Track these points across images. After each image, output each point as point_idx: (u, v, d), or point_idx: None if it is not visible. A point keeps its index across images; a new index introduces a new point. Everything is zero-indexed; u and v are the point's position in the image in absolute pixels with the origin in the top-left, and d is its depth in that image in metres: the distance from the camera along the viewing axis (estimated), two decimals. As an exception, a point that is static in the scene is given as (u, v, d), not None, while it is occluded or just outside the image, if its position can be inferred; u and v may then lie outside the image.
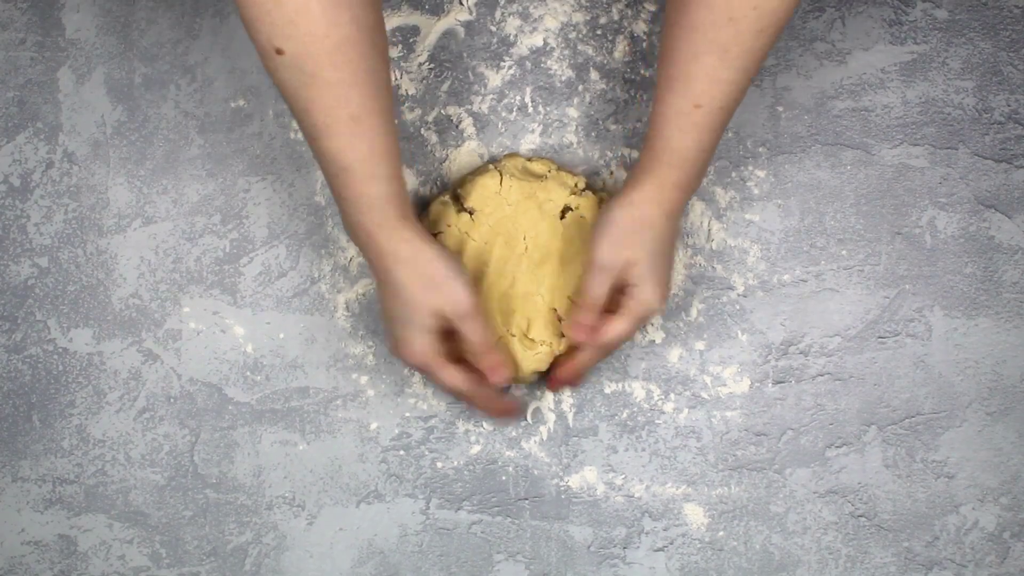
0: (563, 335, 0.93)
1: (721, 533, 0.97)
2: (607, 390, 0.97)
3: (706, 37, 0.79)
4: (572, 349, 0.92)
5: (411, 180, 0.98)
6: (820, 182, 0.97)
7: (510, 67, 0.98)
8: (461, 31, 0.98)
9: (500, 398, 0.91)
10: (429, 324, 0.85)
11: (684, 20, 0.80)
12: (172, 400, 0.98)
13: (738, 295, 0.97)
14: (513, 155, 0.97)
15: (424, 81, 0.98)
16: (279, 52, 0.75)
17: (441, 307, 0.84)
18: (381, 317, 0.93)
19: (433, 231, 0.94)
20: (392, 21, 0.98)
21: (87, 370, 0.98)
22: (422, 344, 0.85)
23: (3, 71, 0.98)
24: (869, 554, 0.97)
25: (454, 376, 0.87)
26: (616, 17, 0.98)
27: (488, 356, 0.87)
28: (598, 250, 0.87)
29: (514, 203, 0.94)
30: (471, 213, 0.94)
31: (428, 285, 0.84)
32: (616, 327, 0.88)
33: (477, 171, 0.96)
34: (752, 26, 0.78)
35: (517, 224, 0.94)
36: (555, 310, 0.93)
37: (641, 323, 0.88)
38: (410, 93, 0.98)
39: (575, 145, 0.98)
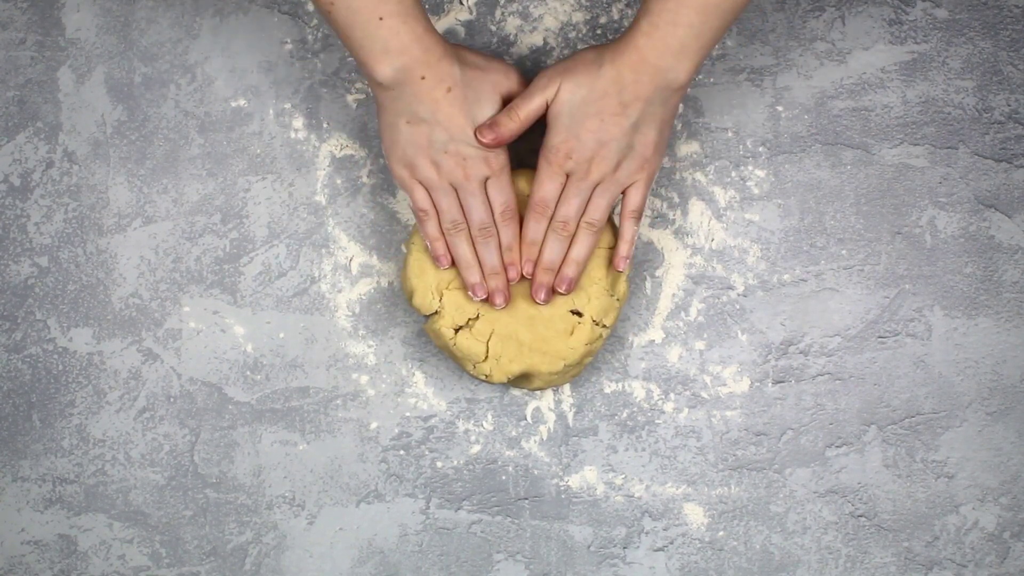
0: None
1: (721, 533, 0.97)
2: (607, 390, 0.97)
3: None
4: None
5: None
6: (820, 182, 0.97)
7: (510, 67, 0.98)
8: (461, 31, 0.98)
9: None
10: (497, 98, 0.87)
11: None
12: (172, 400, 0.98)
13: (738, 295, 0.97)
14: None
15: (424, 81, 0.98)
16: None
17: (499, 85, 0.87)
18: (408, 135, 0.87)
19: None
20: (392, 21, 0.98)
21: (87, 370, 0.98)
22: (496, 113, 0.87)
23: (3, 71, 0.98)
24: (869, 554, 0.97)
25: (511, 184, 0.89)
26: (616, 17, 0.98)
27: (514, 120, 0.87)
28: (540, 73, 0.88)
29: None
30: None
31: (482, 71, 0.86)
32: (537, 175, 0.88)
33: None
34: None
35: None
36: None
37: (554, 173, 0.87)
38: (410, 93, 0.98)
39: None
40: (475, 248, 0.90)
